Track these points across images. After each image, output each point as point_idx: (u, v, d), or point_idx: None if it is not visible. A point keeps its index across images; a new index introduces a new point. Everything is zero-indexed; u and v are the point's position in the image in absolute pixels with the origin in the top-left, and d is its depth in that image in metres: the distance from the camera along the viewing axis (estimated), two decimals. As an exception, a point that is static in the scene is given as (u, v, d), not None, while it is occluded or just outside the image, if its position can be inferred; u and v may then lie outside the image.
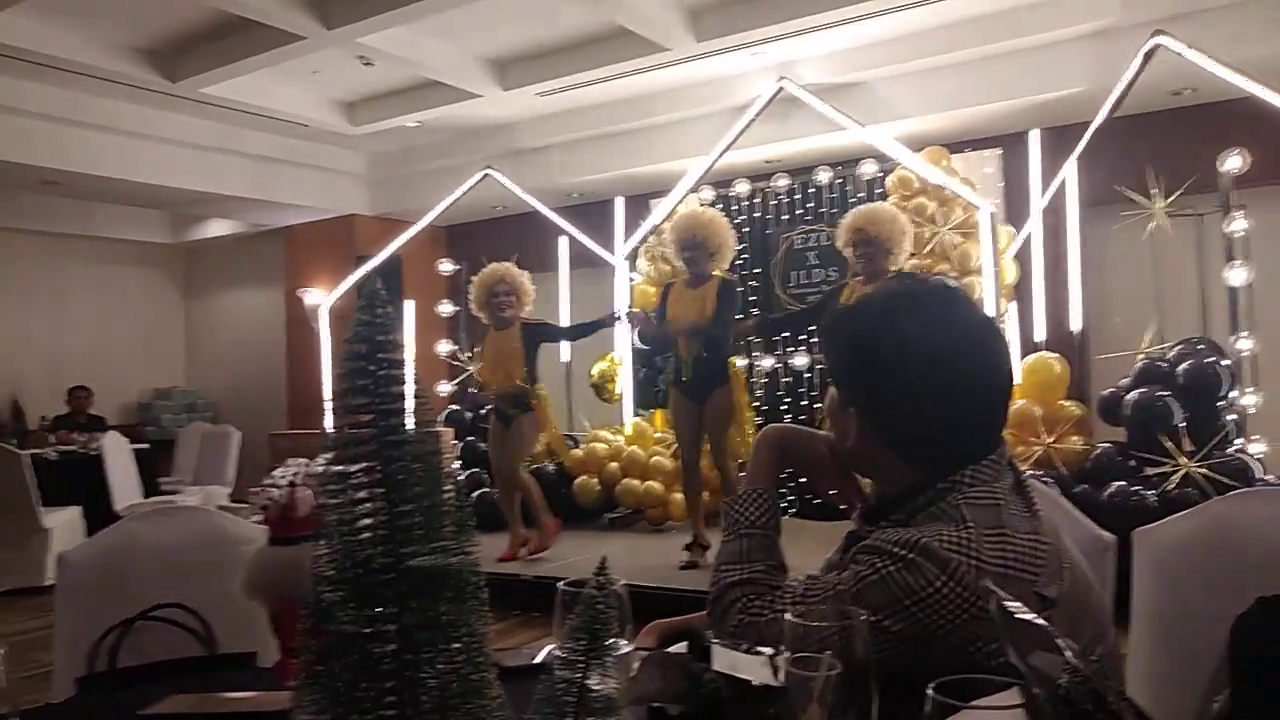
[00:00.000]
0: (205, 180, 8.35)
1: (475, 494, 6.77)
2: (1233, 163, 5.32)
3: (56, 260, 10.29)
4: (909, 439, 1.21)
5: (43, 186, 8.24)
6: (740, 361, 7.48)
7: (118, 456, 7.40)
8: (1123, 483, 4.81)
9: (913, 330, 1.21)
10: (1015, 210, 6.80)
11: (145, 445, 8.50)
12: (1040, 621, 0.77)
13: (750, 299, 7.68)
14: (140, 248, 10.90)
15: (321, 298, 9.09)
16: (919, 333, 1.20)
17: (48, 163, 7.43)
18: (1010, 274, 6.56)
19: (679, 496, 6.75)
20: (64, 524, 6.64)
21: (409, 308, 8.45)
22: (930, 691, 0.67)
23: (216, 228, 10.57)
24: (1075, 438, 5.23)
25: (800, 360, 7.35)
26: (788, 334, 7.46)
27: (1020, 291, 6.60)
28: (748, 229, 7.77)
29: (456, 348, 8.20)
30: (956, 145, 7.08)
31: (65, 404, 9.18)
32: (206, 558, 1.86)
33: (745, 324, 5.90)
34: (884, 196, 7.01)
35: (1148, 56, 5.43)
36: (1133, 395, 4.97)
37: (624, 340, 7.61)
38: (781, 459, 1.37)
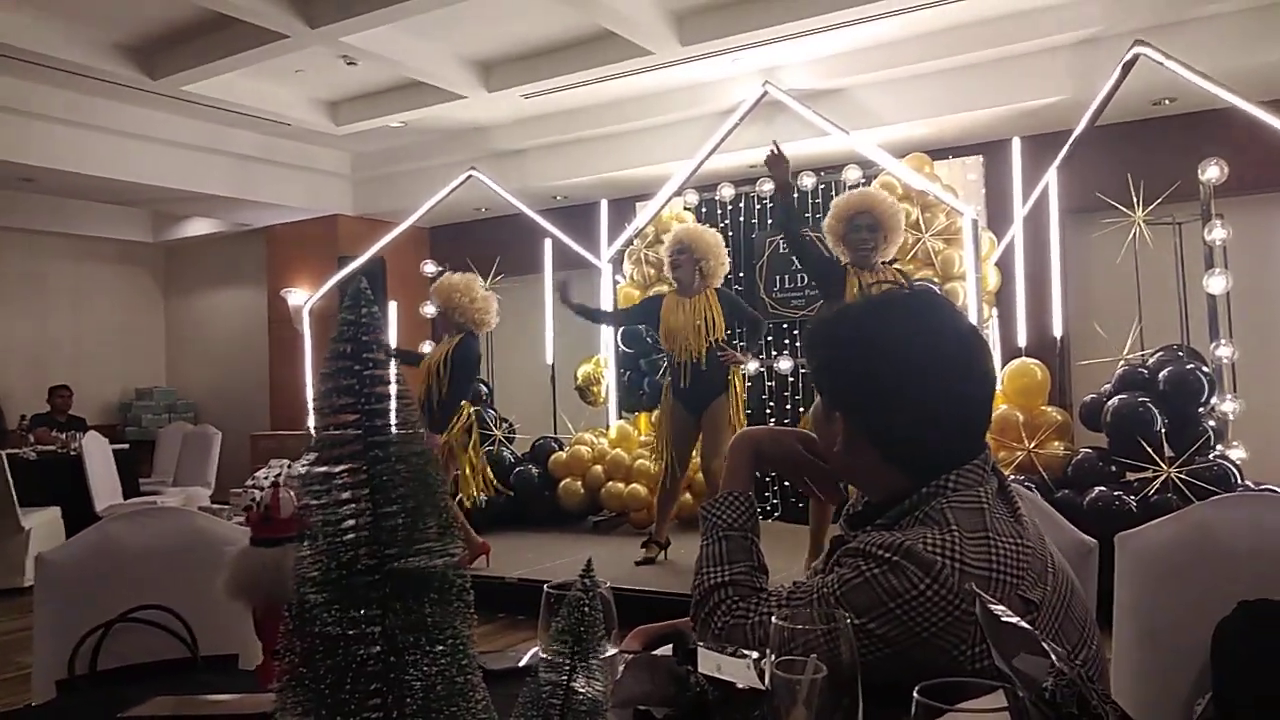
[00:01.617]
0: (186, 179, 8.30)
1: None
2: (1212, 172, 5.36)
3: (35, 258, 10.21)
4: (895, 444, 1.22)
5: (20, 183, 8.17)
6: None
7: (97, 457, 7.34)
8: (1104, 488, 4.84)
9: (898, 336, 1.22)
10: (997, 217, 6.84)
11: (125, 445, 8.44)
12: (1024, 625, 0.77)
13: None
14: (120, 246, 10.83)
15: (304, 298, 9.05)
16: (904, 338, 1.21)
17: (24, 159, 7.36)
18: (992, 280, 6.60)
19: (662, 499, 6.76)
20: (43, 524, 6.59)
21: (392, 309, 8.42)
22: (916, 695, 0.68)
23: (198, 226, 10.50)
24: (1056, 443, 5.26)
25: (784, 364, 7.36)
26: (771, 338, 7.49)
27: (1002, 298, 6.64)
28: (732, 233, 7.77)
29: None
30: (939, 152, 7.12)
31: (45, 403, 9.10)
32: (187, 559, 1.85)
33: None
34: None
35: (1128, 66, 5.48)
36: (1114, 401, 5.00)
37: (609, 342, 7.61)
38: (757, 462, 1.39)
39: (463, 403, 5.57)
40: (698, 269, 5.42)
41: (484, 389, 7.84)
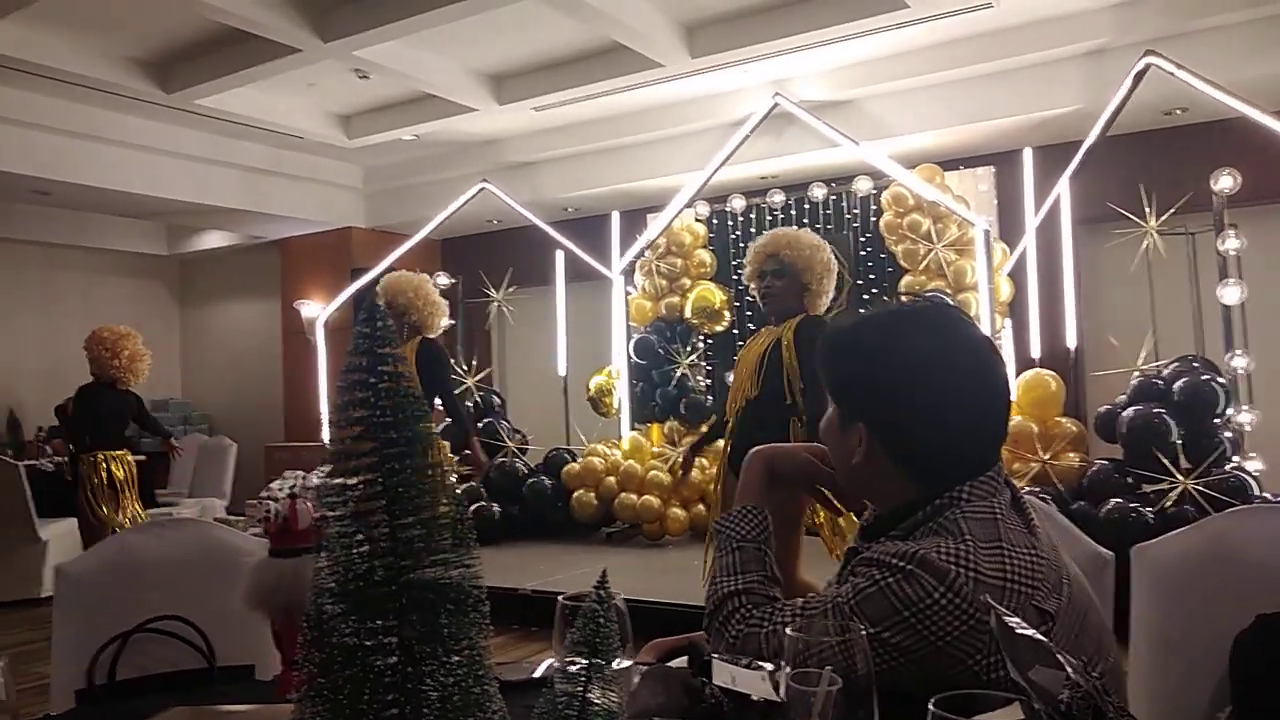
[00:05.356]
0: (200, 192, 8.35)
1: (474, 507, 6.75)
2: (1224, 182, 5.34)
3: (50, 271, 10.27)
4: (913, 456, 1.22)
5: (35, 196, 8.23)
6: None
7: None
8: (1120, 500, 4.80)
9: (916, 347, 1.22)
10: (1009, 227, 6.82)
11: (141, 457, 8.46)
12: (1040, 637, 0.77)
13: (746, 314, 7.69)
14: (135, 259, 10.89)
15: (318, 310, 9.09)
16: (922, 349, 1.22)
17: (40, 173, 7.40)
18: (1005, 291, 6.58)
19: (677, 511, 6.76)
20: (61, 536, 6.61)
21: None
22: (932, 707, 0.68)
23: (212, 239, 10.56)
24: (1072, 455, 5.23)
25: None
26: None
27: (1015, 309, 6.62)
28: (743, 244, 7.76)
29: (452, 360, 8.20)
30: (950, 163, 7.11)
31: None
32: (204, 570, 1.86)
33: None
34: (879, 213, 7.06)
35: (1139, 76, 5.47)
36: (1129, 412, 4.98)
37: (621, 353, 7.62)
38: (770, 477, 1.39)
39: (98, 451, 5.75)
40: (404, 321, 5.07)
41: (496, 400, 7.85)
